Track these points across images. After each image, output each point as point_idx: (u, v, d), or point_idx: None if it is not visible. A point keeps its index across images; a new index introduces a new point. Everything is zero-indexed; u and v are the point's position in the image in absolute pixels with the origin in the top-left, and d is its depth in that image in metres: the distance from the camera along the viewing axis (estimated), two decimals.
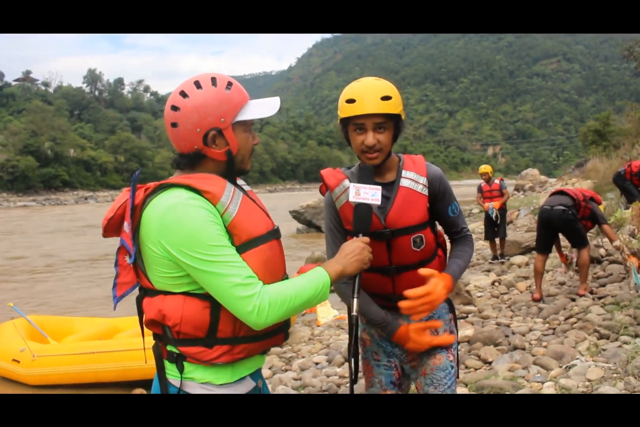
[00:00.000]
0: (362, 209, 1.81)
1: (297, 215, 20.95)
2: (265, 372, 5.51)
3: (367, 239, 1.75)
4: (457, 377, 2.22)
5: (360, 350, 2.24)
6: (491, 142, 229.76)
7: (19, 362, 5.86)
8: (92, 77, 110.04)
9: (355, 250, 1.70)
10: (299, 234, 20.67)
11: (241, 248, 1.55)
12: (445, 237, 2.25)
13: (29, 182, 63.13)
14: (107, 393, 4.96)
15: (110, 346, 5.83)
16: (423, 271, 1.96)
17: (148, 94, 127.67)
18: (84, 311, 9.27)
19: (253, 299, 1.47)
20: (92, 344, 5.98)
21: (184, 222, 1.48)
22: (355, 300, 1.77)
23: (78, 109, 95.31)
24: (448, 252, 2.21)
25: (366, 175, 1.87)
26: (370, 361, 2.24)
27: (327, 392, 4.63)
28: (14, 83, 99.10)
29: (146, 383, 5.33)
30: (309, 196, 27.69)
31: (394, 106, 1.92)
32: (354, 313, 1.78)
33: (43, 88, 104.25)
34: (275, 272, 1.65)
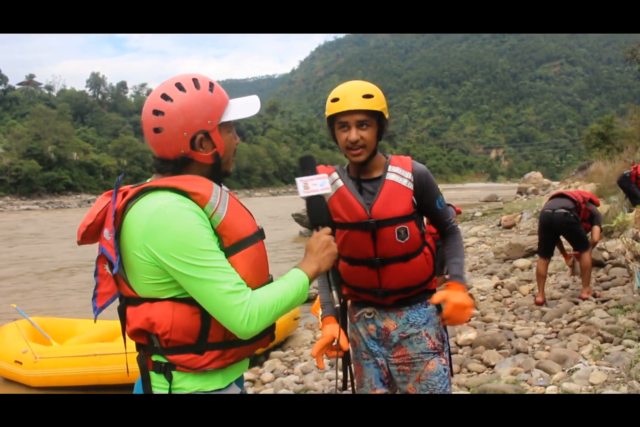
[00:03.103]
0: (315, 201, 1.76)
1: (299, 218, 20.93)
2: (268, 376, 5.51)
3: (328, 230, 1.72)
4: (452, 375, 2.28)
5: (350, 350, 2.29)
6: (494, 145, 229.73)
7: (21, 363, 5.88)
8: (95, 81, 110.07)
9: (323, 245, 1.66)
10: (301, 238, 20.66)
11: (231, 250, 1.51)
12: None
13: (32, 186, 63.19)
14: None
15: (113, 349, 5.82)
16: (435, 300, 2.08)
17: None
18: (86, 313, 9.27)
19: (244, 307, 1.43)
20: (95, 346, 5.99)
21: (173, 225, 1.42)
22: (334, 292, 1.76)
23: (81, 113, 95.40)
24: (436, 253, 2.28)
25: (308, 166, 1.80)
26: (360, 361, 2.29)
27: None
28: (17, 87, 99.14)
29: None
30: None
31: (376, 104, 2.02)
32: (337, 305, 1.78)
33: (46, 92, 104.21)
34: (263, 273, 1.62)
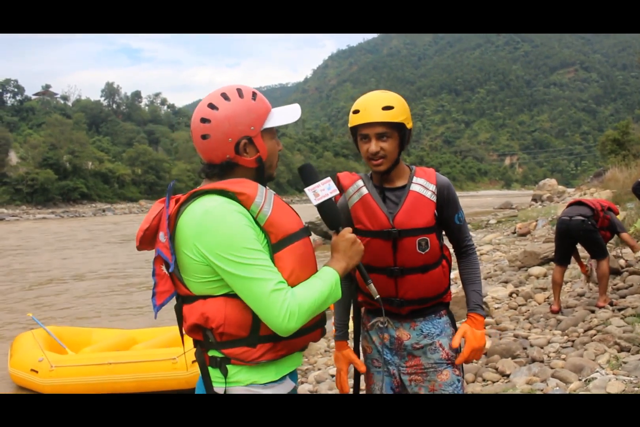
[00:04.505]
0: (329, 205, 1.77)
1: (313, 226, 20.92)
2: None
3: (349, 229, 1.77)
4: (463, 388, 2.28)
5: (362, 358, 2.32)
6: (508, 152, 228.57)
7: (37, 372, 5.91)
8: (110, 91, 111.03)
9: (348, 243, 1.73)
10: (315, 246, 20.65)
11: (278, 245, 1.60)
12: (452, 251, 2.31)
13: (47, 195, 63.77)
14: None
15: (128, 357, 5.85)
16: (455, 344, 2.15)
17: (165, 107, 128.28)
18: (101, 322, 9.33)
19: (284, 305, 1.50)
20: (110, 355, 6.01)
21: (220, 225, 1.51)
22: (372, 285, 1.87)
23: (96, 122, 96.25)
24: (454, 267, 2.30)
25: (310, 174, 1.78)
26: (370, 368, 2.30)
27: None
28: (33, 97, 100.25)
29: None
30: None
31: (396, 115, 2.03)
32: (378, 296, 1.89)
33: (62, 102, 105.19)
34: (310, 268, 1.68)
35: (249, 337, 1.59)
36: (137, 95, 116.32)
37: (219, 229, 1.52)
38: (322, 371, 5.68)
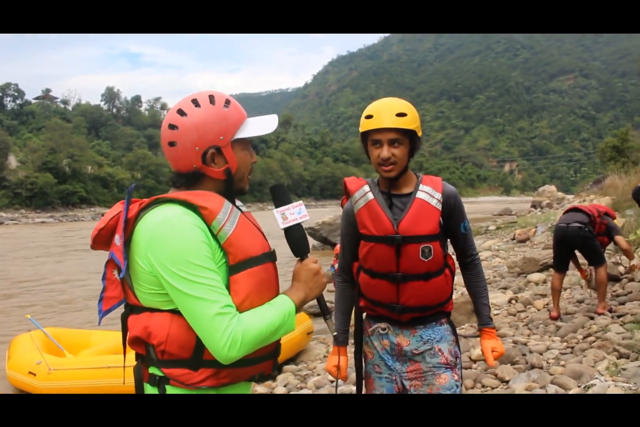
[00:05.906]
0: (296, 230, 1.67)
1: (312, 232, 20.92)
2: (281, 390, 5.48)
3: (315, 258, 1.68)
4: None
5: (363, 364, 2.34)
6: (507, 158, 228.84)
7: (35, 375, 5.88)
8: (110, 95, 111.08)
9: (311, 273, 1.64)
10: (314, 251, 20.65)
11: (235, 268, 1.51)
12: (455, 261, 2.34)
13: (47, 199, 63.75)
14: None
15: (127, 361, 5.83)
16: (492, 361, 2.27)
17: (165, 112, 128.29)
18: (100, 325, 9.30)
19: (227, 331, 1.41)
20: (108, 358, 5.98)
21: (175, 237, 1.44)
22: (328, 321, 1.73)
23: (96, 127, 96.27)
24: (457, 276, 2.33)
25: (281, 196, 1.69)
26: (371, 374, 2.30)
27: None
28: (34, 101, 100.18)
29: None
30: (324, 213, 27.76)
31: (409, 122, 2.04)
32: (334, 333, 1.79)
33: (62, 106, 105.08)
34: (268, 297, 1.57)
35: (191, 360, 1.50)
36: (137, 99, 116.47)
37: (172, 241, 1.43)
38: (321, 377, 5.67)
